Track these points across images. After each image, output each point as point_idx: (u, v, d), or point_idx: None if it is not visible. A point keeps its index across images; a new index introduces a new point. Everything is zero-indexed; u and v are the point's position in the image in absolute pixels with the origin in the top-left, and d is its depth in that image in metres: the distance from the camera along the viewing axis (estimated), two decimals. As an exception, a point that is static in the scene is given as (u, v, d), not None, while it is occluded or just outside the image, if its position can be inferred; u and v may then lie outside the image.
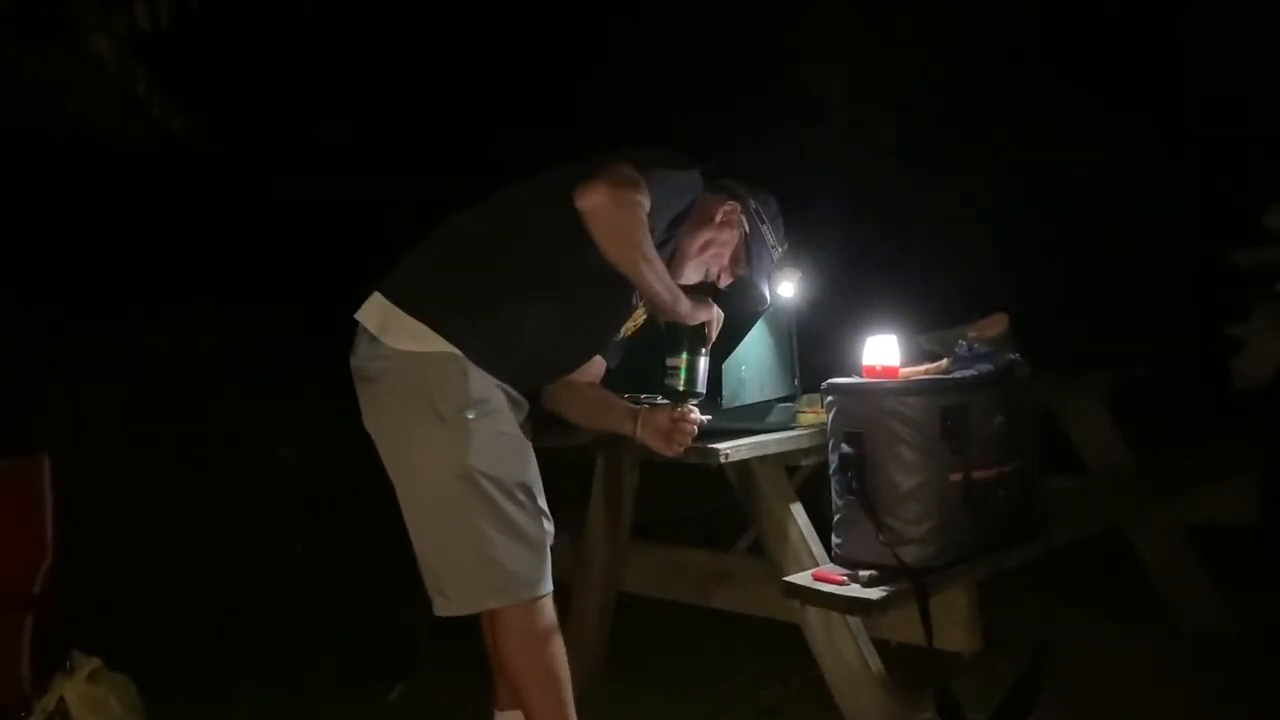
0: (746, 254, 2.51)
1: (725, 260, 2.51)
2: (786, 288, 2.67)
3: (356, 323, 2.30)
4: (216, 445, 5.17)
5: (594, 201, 2.13)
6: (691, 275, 2.49)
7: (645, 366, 2.61)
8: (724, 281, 2.55)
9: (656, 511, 3.42)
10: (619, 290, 2.38)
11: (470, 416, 2.20)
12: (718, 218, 2.49)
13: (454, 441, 2.19)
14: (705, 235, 2.47)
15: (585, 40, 6.67)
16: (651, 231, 2.24)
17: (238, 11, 5.44)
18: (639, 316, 2.53)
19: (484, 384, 2.23)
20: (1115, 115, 5.90)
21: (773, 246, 2.56)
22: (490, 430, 2.23)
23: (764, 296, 2.58)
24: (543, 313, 2.29)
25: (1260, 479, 3.46)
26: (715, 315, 2.43)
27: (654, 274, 2.25)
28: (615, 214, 2.15)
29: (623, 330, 2.54)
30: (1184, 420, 4.53)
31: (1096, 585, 3.67)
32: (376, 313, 2.25)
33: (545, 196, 2.30)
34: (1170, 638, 3.41)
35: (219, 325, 5.57)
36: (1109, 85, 6.02)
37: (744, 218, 2.49)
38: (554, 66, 6.54)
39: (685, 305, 2.34)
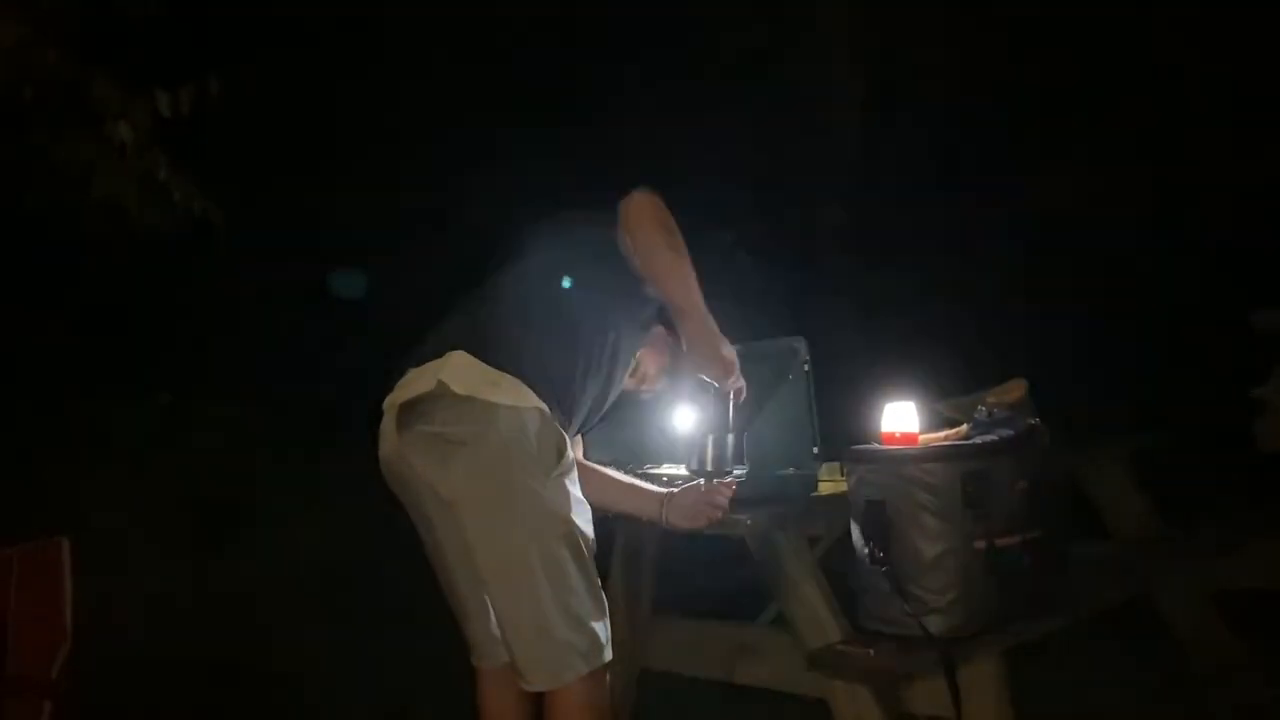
0: (666, 375, 2.61)
1: (647, 374, 2.61)
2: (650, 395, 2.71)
3: (407, 397, 2.22)
4: (234, 527, 5.17)
5: (643, 200, 2.24)
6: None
7: (642, 436, 2.63)
8: (643, 392, 2.65)
9: (678, 585, 3.38)
10: (635, 340, 2.45)
11: (565, 476, 2.19)
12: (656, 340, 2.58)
13: (557, 498, 2.16)
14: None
15: (591, 109, 6.79)
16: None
17: (259, 97, 5.56)
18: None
19: (567, 442, 2.21)
20: (1132, 177, 5.94)
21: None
22: (575, 488, 2.22)
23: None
24: (589, 366, 2.29)
25: (1289, 542, 3.42)
26: (741, 383, 2.38)
27: (689, 271, 2.27)
28: (662, 212, 2.25)
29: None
30: (1208, 485, 4.49)
31: (1126, 652, 3.61)
32: (464, 371, 2.16)
33: (576, 248, 2.36)
34: (1202, 704, 3.34)
35: (239, 406, 5.60)
36: (1125, 146, 6.06)
37: (672, 340, 2.55)
38: (561, 141, 6.65)
39: (709, 318, 2.29)
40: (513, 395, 2.14)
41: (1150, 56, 6.12)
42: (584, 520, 2.21)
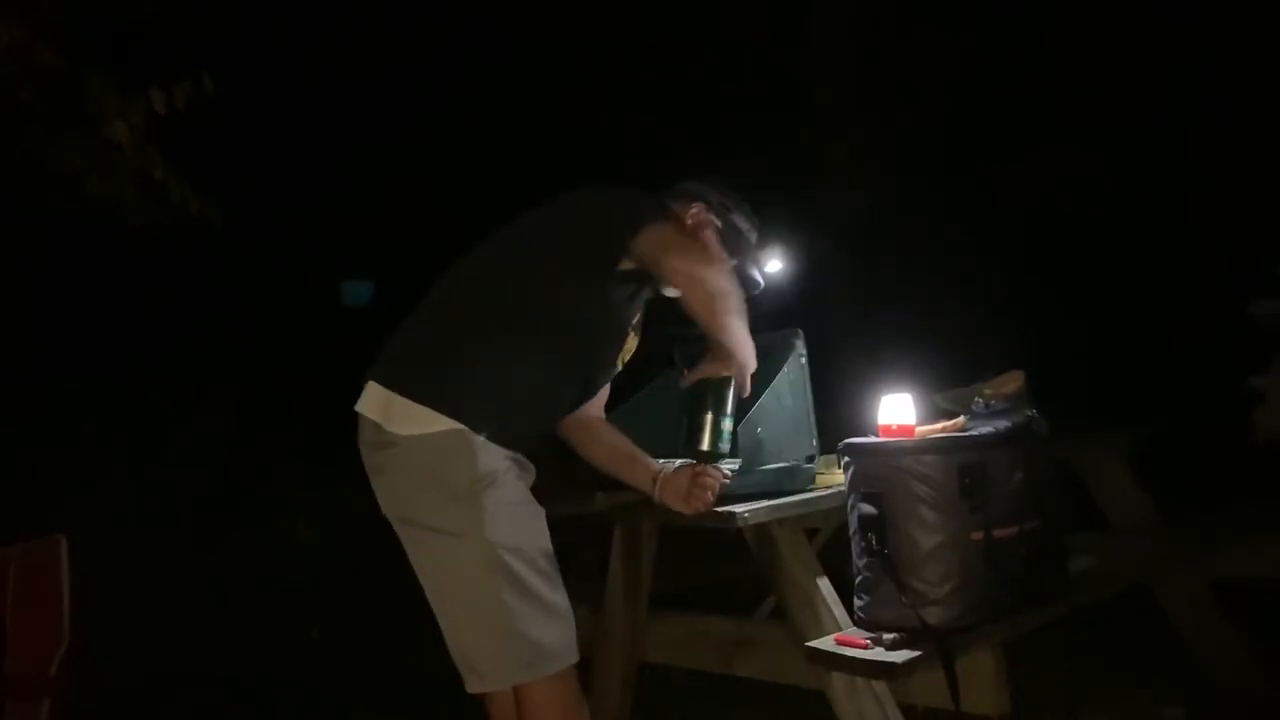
0: (726, 246, 2.51)
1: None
2: (774, 264, 2.66)
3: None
4: (234, 524, 5.17)
5: (690, 273, 2.19)
6: None
7: (669, 424, 2.61)
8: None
9: (676, 579, 3.38)
10: (616, 328, 2.39)
11: (483, 492, 2.15)
12: (689, 222, 2.48)
13: (472, 520, 2.14)
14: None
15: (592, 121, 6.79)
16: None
17: (253, 97, 5.55)
18: (631, 344, 2.50)
19: (492, 457, 2.18)
20: (1128, 171, 5.94)
21: (747, 231, 2.55)
22: (503, 501, 2.18)
23: (755, 280, 2.56)
24: (543, 366, 2.26)
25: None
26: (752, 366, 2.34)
27: (741, 328, 2.24)
28: (715, 281, 2.20)
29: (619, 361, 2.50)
30: (1206, 475, 4.49)
31: (1124, 644, 3.61)
32: (377, 401, 2.21)
33: (532, 250, 2.30)
34: (1200, 696, 3.34)
35: (237, 405, 5.60)
36: (1119, 140, 6.06)
37: (712, 214, 2.50)
38: (562, 155, 6.64)
39: (753, 359, 2.27)
40: (417, 424, 2.15)
41: (1150, 47, 6.12)
42: (513, 530, 2.18)
